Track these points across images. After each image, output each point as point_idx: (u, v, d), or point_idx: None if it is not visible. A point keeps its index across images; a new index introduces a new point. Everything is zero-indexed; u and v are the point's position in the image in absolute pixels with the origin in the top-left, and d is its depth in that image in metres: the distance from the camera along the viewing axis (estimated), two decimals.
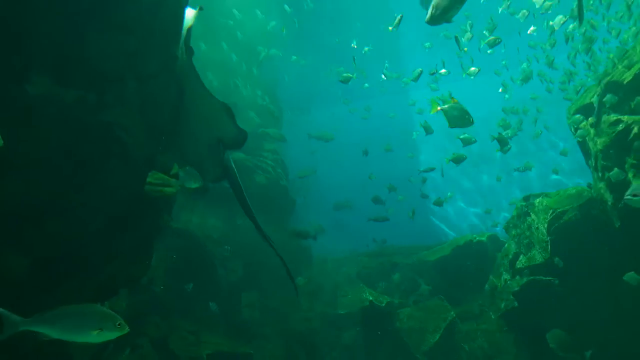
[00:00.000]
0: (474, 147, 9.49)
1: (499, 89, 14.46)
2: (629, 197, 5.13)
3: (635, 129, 7.55)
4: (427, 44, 13.73)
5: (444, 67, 12.50)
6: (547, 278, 9.19)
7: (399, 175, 16.70)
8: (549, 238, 9.19)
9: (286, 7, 15.16)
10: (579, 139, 9.08)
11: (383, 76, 13.34)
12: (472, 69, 10.91)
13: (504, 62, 14.17)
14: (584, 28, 9.74)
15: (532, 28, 11.96)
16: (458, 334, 10.17)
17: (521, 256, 10.19)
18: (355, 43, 14.19)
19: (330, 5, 17.70)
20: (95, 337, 3.59)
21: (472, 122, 6.42)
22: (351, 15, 18.19)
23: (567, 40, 9.76)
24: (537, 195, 10.45)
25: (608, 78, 8.61)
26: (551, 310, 8.73)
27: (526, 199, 10.82)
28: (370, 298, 10.91)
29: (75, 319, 3.55)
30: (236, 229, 11.25)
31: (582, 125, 9.08)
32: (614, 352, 8.28)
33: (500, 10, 11.31)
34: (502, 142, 9.75)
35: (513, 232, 10.93)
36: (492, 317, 10.13)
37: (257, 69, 14.28)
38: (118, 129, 4.22)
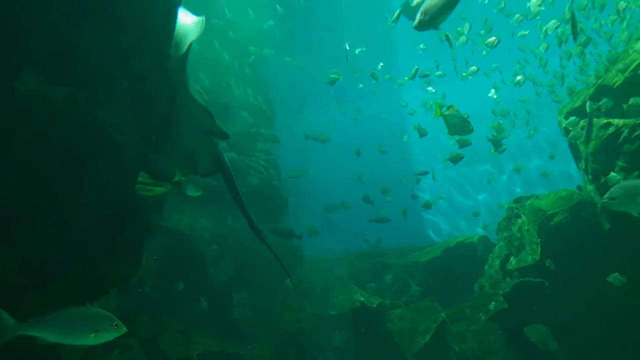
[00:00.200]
0: (466, 149, 9.54)
1: (489, 91, 14.55)
2: (606, 199, 5.14)
3: (625, 132, 7.62)
4: (421, 46, 13.78)
5: (438, 69, 12.56)
6: (537, 280, 9.25)
7: (390, 176, 16.74)
8: (539, 240, 9.25)
9: (278, 7, 15.15)
10: (571, 141, 9.15)
11: (373, 77, 13.35)
12: (472, 68, 11.01)
13: (494, 65, 14.25)
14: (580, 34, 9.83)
15: (524, 32, 12.04)
16: (448, 335, 10.20)
17: (511, 258, 10.26)
18: (348, 44, 14.21)
19: (324, 7, 17.71)
20: (92, 339, 3.55)
21: (471, 130, 6.55)
22: (345, 17, 18.21)
23: (560, 44, 9.84)
24: (528, 197, 10.52)
25: (599, 81, 8.69)
26: (541, 312, 8.78)
27: (517, 200, 10.90)
28: (362, 299, 10.91)
29: (71, 321, 3.51)
30: (227, 229, 11.21)
31: (572, 128, 9.15)
32: (599, 352, 8.37)
33: (495, 11, 11.38)
34: (496, 144, 9.83)
35: (504, 234, 11.00)
36: (482, 318, 10.17)
37: (250, 68, 14.23)
38: (109, 127, 4.19)
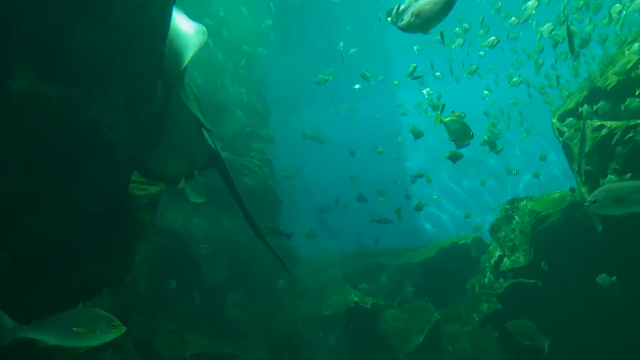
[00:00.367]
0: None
1: (483, 92, 14.63)
2: (588, 203, 5.13)
3: (618, 134, 7.67)
4: (416, 47, 13.81)
5: (432, 69, 12.59)
6: (531, 281, 9.29)
7: (384, 176, 16.78)
8: (532, 241, 9.29)
9: (271, 6, 15.15)
10: (566, 142, 9.20)
11: (364, 78, 13.41)
12: (473, 66, 11.08)
13: (489, 67, 14.31)
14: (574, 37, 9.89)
15: (516, 35, 12.09)
16: (442, 335, 10.23)
17: (505, 259, 10.29)
18: (342, 45, 14.25)
19: (320, 7, 17.71)
20: (92, 340, 3.56)
21: (472, 136, 6.59)
22: (340, 18, 18.21)
23: (554, 46, 9.91)
24: (522, 199, 10.56)
25: (592, 83, 8.74)
26: (534, 313, 8.82)
27: (511, 202, 10.94)
28: (356, 299, 10.92)
29: (70, 323, 3.52)
30: (222, 229, 11.17)
31: (566, 129, 9.20)
32: (591, 352, 8.42)
33: (492, 11, 11.42)
34: (492, 145, 9.88)
35: (498, 235, 11.04)
36: (476, 319, 10.21)
37: (244, 68, 14.21)
38: (103, 126, 4.16)
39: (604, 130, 7.94)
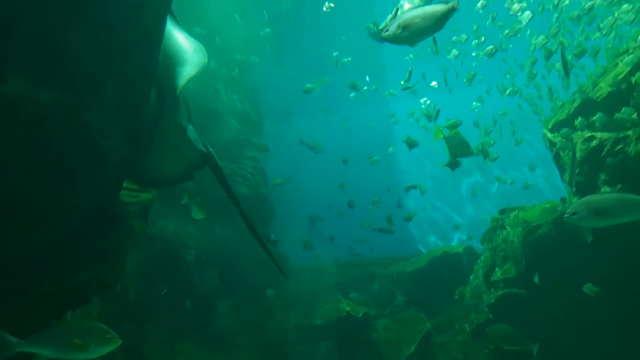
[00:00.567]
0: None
1: (473, 103, 14.75)
2: (567, 215, 5.13)
3: (608, 146, 7.73)
4: (410, 56, 13.91)
5: (424, 79, 12.68)
6: (522, 291, 9.31)
7: (377, 184, 16.83)
8: (524, 251, 9.32)
9: (264, 12, 15.22)
10: (558, 152, 9.27)
11: (353, 88, 13.53)
12: (471, 72, 11.17)
13: (480, 78, 14.44)
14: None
15: (507, 46, 12.23)
16: (433, 345, 10.21)
17: (496, 269, 10.31)
18: (336, 54, 14.35)
19: (314, 17, 17.81)
20: (89, 353, 3.61)
21: (472, 153, 6.61)
22: (336, 27, 18.32)
23: (547, 58, 10.02)
24: (513, 209, 10.61)
25: (584, 95, 8.82)
26: (525, 323, 8.83)
27: (502, 212, 10.99)
28: (347, 308, 10.88)
29: (69, 337, 3.58)
30: (214, 237, 11.12)
31: (557, 140, 9.28)
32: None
33: (488, 22, 11.53)
34: (485, 153, 9.96)
35: (489, 245, 11.07)
36: (467, 329, 10.20)
37: (237, 75, 14.24)
38: (95, 131, 4.13)
39: (594, 142, 8.00)
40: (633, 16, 8.55)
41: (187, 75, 4.63)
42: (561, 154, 9.25)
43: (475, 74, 11.43)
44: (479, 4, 11.20)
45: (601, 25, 9.57)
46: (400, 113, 16.97)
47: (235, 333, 10.37)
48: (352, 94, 16.22)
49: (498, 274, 10.17)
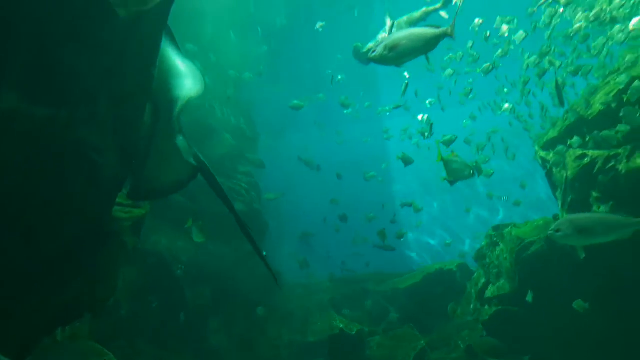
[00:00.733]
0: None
1: (464, 120, 14.88)
2: (551, 232, 5.15)
3: (600, 163, 7.81)
4: (405, 74, 14.04)
5: (417, 96, 12.79)
6: (515, 308, 9.29)
7: (372, 200, 16.86)
8: (517, 268, 9.32)
9: (259, 29, 15.38)
10: (549, 170, 9.34)
11: (343, 106, 13.73)
12: (468, 88, 11.28)
13: (471, 97, 14.57)
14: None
15: (493, 65, 12.37)
16: None
17: (490, 286, 10.30)
18: (331, 71, 14.52)
19: (309, 35, 17.99)
20: None
21: (472, 175, 6.65)
22: (331, 46, 18.47)
23: (540, 76, 10.15)
24: (506, 226, 10.65)
25: (576, 113, 8.93)
26: (519, 340, 8.80)
27: (496, 228, 11.02)
28: (341, 326, 10.82)
29: (64, 357, 3.54)
30: (207, 254, 11.04)
31: (549, 157, 9.35)
32: None
33: (483, 39, 11.66)
34: (479, 170, 10.03)
35: (483, 262, 11.07)
36: (462, 346, 10.14)
37: (232, 92, 14.32)
38: (88, 147, 4.13)
39: (586, 159, 8.08)
40: (623, 37, 8.69)
41: (184, 99, 4.65)
42: (554, 170, 9.33)
43: (472, 90, 11.54)
44: (475, 22, 11.35)
45: (593, 45, 9.71)
46: (393, 129, 17.07)
47: (227, 350, 10.26)
48: (346, 111, 16.37)
49: (492, 290, 10.15)
